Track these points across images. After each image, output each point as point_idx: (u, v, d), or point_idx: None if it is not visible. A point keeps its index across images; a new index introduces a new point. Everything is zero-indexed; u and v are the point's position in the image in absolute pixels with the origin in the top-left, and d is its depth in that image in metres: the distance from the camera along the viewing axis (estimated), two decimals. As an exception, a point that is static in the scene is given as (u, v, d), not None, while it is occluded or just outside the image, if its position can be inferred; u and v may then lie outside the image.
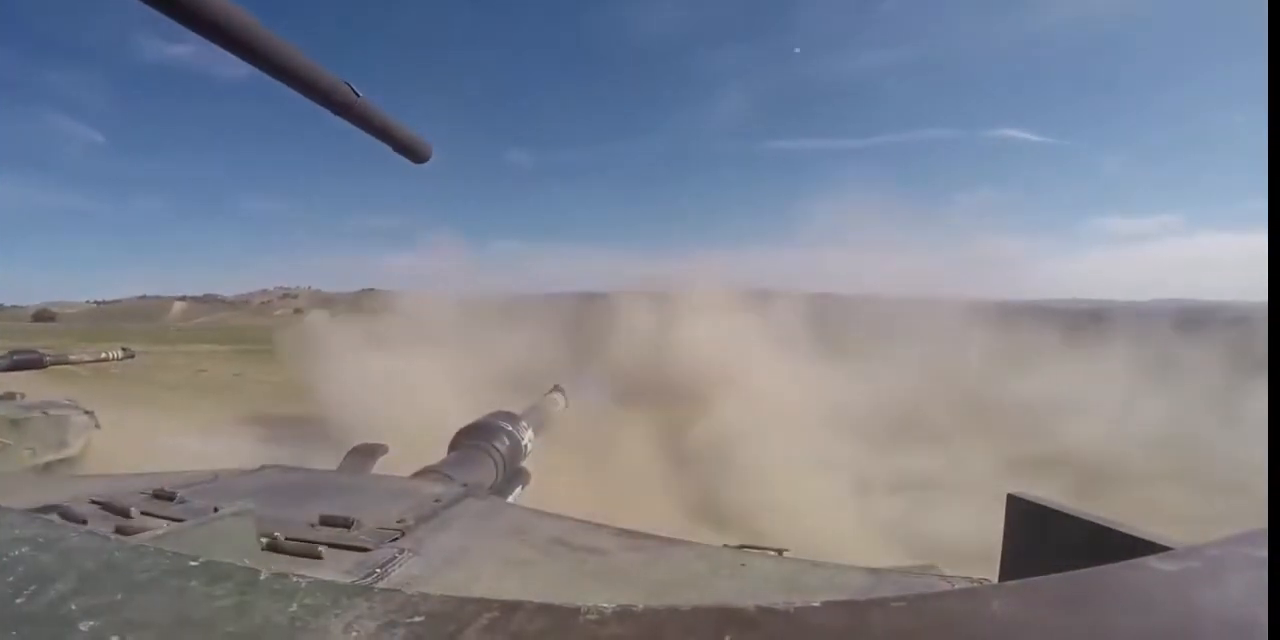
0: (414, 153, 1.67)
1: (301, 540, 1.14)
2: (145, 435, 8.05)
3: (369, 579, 1.04)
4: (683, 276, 15.08)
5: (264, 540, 1.12)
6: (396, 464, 2.12)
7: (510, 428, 2.49)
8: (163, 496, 1.37)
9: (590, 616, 0.40)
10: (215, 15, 0.96)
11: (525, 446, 2.53)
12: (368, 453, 2.13)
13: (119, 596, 0.44)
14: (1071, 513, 0.73)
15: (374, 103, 1.37)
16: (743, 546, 1.40)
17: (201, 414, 12.26)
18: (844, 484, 8.59)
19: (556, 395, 3.53)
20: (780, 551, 1.35)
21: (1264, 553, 0.40)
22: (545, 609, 0.41)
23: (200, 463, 2.05)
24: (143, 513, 1.25)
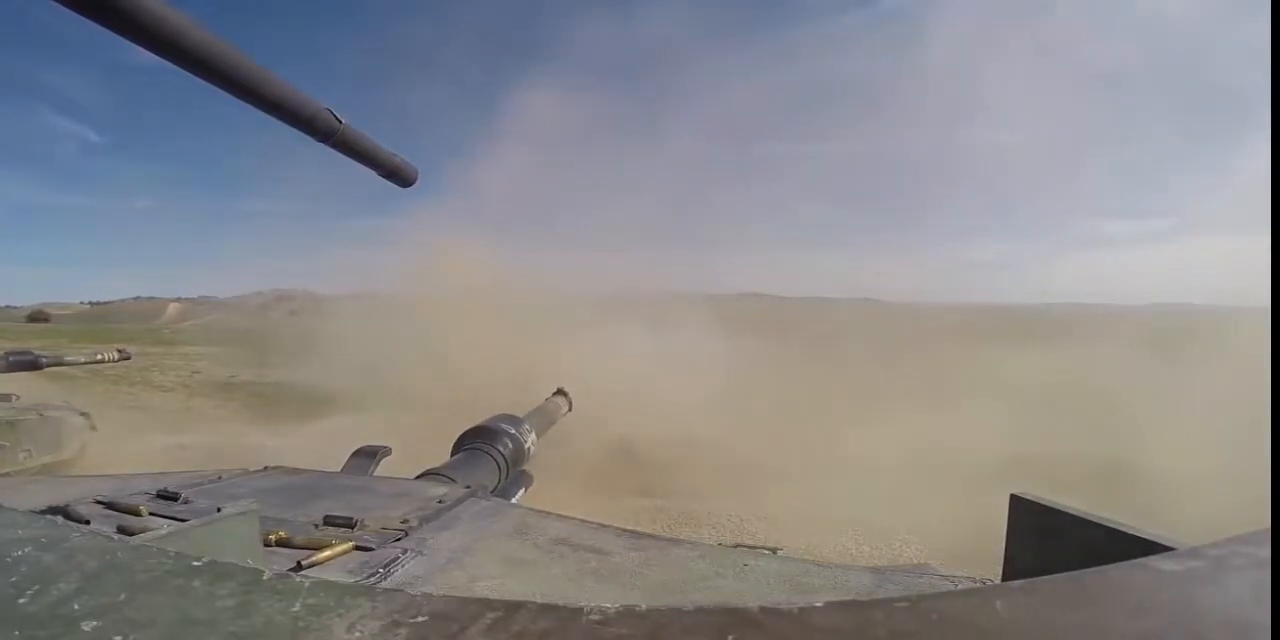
0: (400, 177, 1.65)
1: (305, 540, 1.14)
2: (141, 437, 8.03)
3: (372, 579, 1.03)
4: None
5: (271, 538, 1.12)
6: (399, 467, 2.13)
7: (513, 431, 2.49)
8: (166, 496, 1.37)
9: (593, 616, 0.40)
10: (188, 43, 0.92)
11: (528, 449, 2.53)
12: (370, 454, 2.12)
13: (122, 596, 0.44)
14: (1074, 513, 0.73)
15: (357, 128, 1.34)
16: (738, 546, 1.40)
17: (199, 414, 12.25)
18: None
19: (560, 399, 3.52)
20: (774, 550, 1.35)
21: (1268, 553, 0.40)
22: (548, 609, 0.41)
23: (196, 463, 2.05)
24: (147, 513, 1.25)
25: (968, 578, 1.14)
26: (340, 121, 1.26)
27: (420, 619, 0.41)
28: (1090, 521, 0.70)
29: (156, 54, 0.93)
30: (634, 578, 1.10)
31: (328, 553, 1.10)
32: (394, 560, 1.11)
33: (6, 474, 3.97)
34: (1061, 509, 0.76)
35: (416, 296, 14.78)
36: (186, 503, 1.35)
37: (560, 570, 1.13)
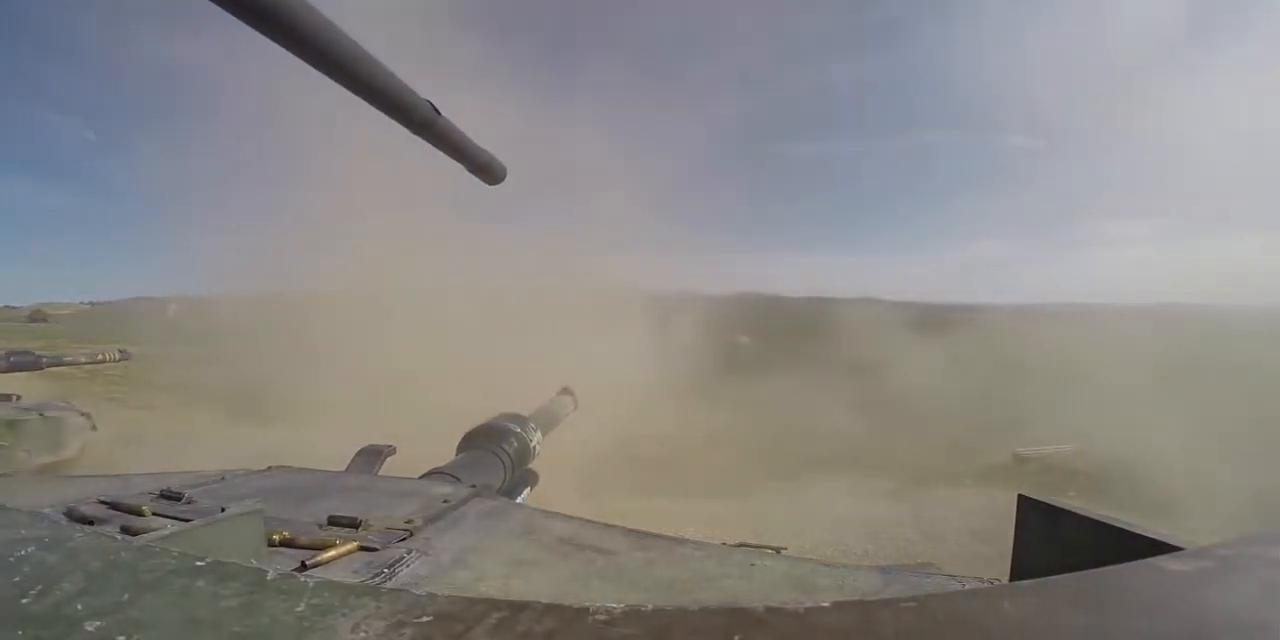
0: (489, 173, 1.62)
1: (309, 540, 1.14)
2: (142, 436, 8.06)
3: (377, 579, 1.03)
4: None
5: (275, 538, 1.11)
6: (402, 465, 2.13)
7: (519, 430, 2.48)
8: (170, 496, 1.36)
9: (598, 616, 0.40)
10: (304, 29, 0.93)
11: (533, 448, 2.52)
12: (375, 454, 2.12)
13: (125, 596, 0.44)
14: (1082, 513, 0.73)
15: (453, 123, 1.34)
16: (742, 545, 1.40)
17: (197, 413, 12.30)
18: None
19: (566, 397, 3.50)
20: (778, 550, 1.35)
21: (1275, 553, 0.40)
22: (553, 609, 0.41)
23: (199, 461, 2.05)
24: (150, 513, 1.24)
25: (975, 578, 1.13)
26: (439, 114, 1.27)
27: (425, 619, 0.41)
28: (1098, 522, 0.70)
29: (275, 41, 0.93)
30: (639, 578, 1.10)
31: (332, 553, 1.10)
32: (399, 560, 1.11)
33: (7, 474, 3.97)
34: (1069, 509, 0.75)
35: (415, 296, 14.85)
36: (190, 503, 1.34)
37: (566, 570, 1.12)
